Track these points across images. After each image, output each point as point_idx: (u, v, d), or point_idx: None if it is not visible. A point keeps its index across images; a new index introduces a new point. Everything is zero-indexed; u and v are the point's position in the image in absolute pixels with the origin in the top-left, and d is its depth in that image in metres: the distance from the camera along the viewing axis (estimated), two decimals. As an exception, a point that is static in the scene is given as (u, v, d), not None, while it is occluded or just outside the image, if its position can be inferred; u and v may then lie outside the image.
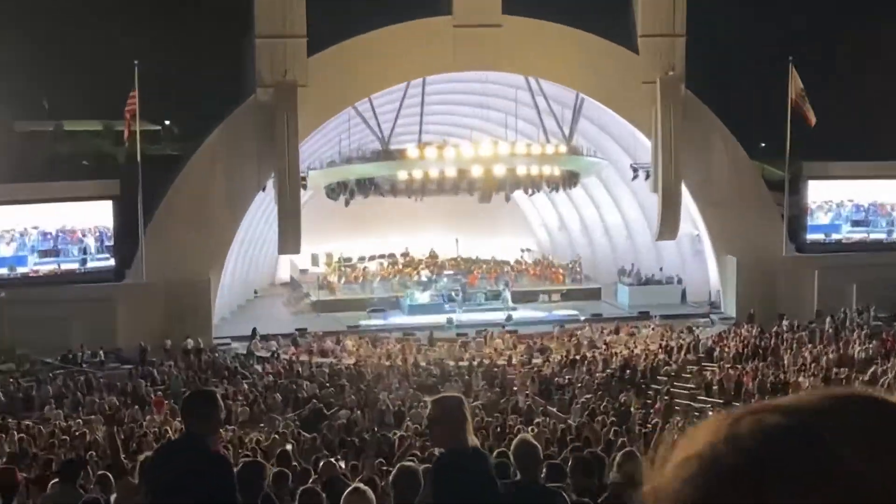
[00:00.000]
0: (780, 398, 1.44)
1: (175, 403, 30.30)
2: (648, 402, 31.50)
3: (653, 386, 34.60)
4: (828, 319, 42.42)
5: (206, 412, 6.11)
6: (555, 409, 31.84)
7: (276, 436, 23.88)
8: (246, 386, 33.96)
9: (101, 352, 38.98)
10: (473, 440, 5.71)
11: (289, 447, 20.28)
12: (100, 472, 12.01)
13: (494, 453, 11.06)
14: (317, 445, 23.24)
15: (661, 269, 51.17)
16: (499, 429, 24.88)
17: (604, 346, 40.95)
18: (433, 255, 54.65)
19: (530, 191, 49.13)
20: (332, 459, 16.91)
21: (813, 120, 44.47)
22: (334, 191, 46.34)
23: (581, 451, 13.78)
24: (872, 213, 48.19)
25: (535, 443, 8.09)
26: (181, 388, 33.32)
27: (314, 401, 31.65)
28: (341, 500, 6.67)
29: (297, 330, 43.75)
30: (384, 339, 42.75)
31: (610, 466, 9.76)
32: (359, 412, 30.37)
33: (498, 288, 49.76)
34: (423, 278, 50.67)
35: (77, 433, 24.35)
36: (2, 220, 40.72)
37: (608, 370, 36.36)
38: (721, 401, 32.73)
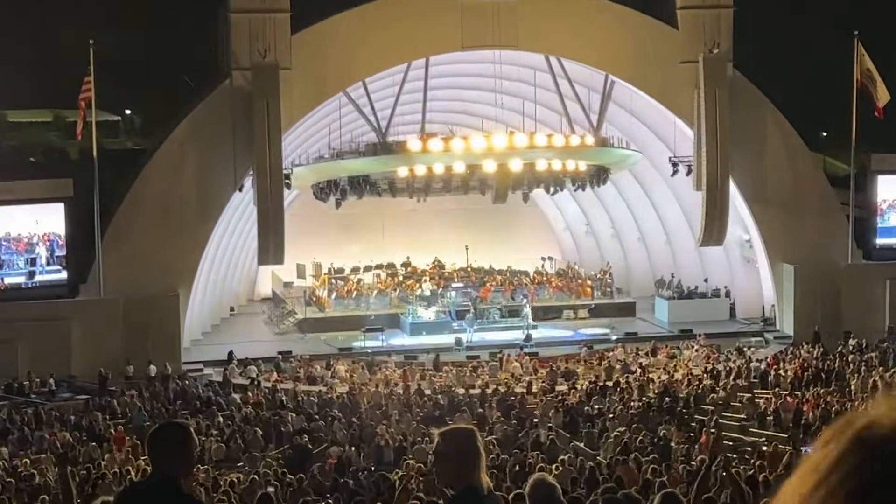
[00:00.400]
0: None
1: (138, 439, 30.35)
2: (692, 435, 31.47)
3: (697, 417, 34.57)
4: (902, 338, 42.37)
5: (177, 448, 6.11)
6: (582, 445, 31.83)
7: (256, 476, 23.92)
8: (221, 419, 34.02)
9: (52, 380, 39.02)
10: (486, 481, 5.72)
11: (271, 490, 20.32)
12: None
13: (511, 496, 11.08)
14: (304, 487, 23.31)
15: (705, 281, 51.18)
16: (517, 467, 24.89)
17: (639, 371, 40.94)
18: (439, 265, 54.72)
19: (552, 189, 49.18)
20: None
21: (882, 105, 44.48)
22: (323, 190, 46.44)
23: (614, 493, 13.81)
24: (953, 214, 48.14)
25: (554, 482, 8.09)
26: (145, 421, 33.40)
27: (303, 435, 31.67)
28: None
29: (280, 353, 43.81)
30: (382, 363, 42.80)
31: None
32: (353, 449, 30.41)
33: (515, 303, 49.79)
34: (428, 292, 50.71)
35: (24, 474, 24.39)
36: (-65, 226, 40.89)
37: (644, 398, 36.34)
38: (777, 433, 32.72)
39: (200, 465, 25.48)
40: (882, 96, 44.54)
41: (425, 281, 52.01)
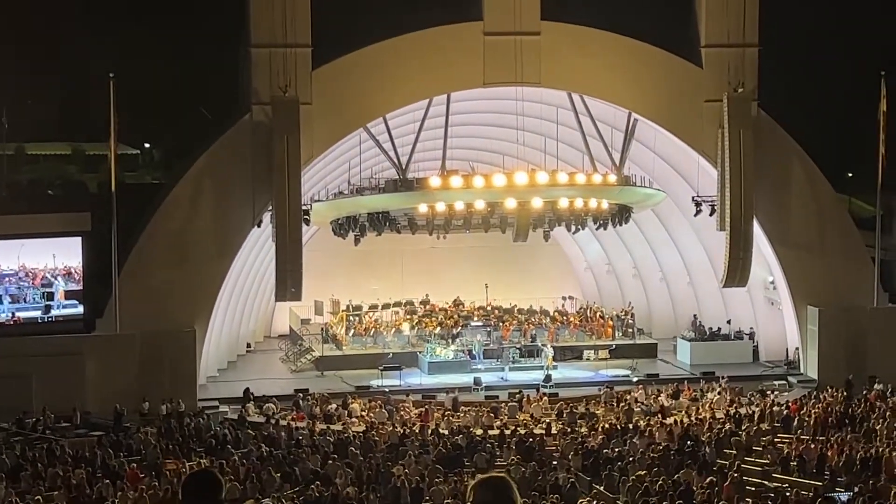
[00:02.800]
0: None
1: (155, 477, 30.40)
2: (714, 480, 31.35)
3: (719, 461, 34.45)
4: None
5: (208, 497, 6.14)
6: (602, 488, 31.74)
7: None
8: (237, 458, 34.01)
9: (78, 413, 39.08)
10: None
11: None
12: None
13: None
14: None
15: (728, 322, 51.07)
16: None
17: (660, 413, 40.82)
18: (458, 304, 54.70)
19: (573, 228, 49.23)
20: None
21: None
22: (342, 227, 46.55)
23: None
24: (981, 257, 48.03)
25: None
26: (158, 458, 33.44)
27: (317, 479, 31.64)
28: None
29: (297, 391, 43.82)
30: (399, 402, 42.77)
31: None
32: (369, 490, 30.36)
33: (535, 343, 49.75)
34: (446, 331, 50.73)
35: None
36: (-48, 259, 41.13)
37: (665, 442, 36.22)
38: (801, 479, 32.56)
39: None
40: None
41: (445, 319, 51.93)
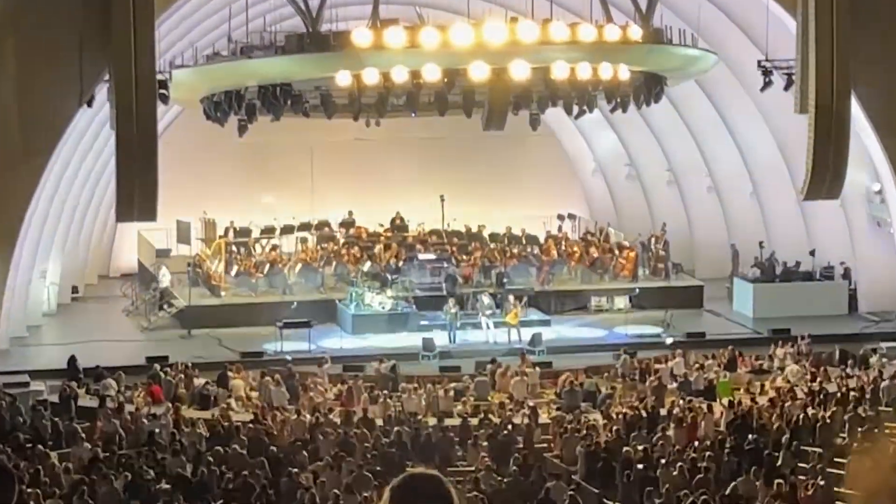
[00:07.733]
0: None
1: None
2: (786, 492, 31.68)
3: (800, 465, 34.80)
4: None
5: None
6: (618, 505, 32.07)
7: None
8: (56, 462, 34.07)
9: None
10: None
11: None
12: None
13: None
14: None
15: (812, 254, 51.38)
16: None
17: (707, 393, 41.16)
18: (399, 227, 54.78)
19: (577, 109, 49.21)
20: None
21: None
22: (219, 106, 46.41)
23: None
24: None
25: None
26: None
27: (183, 492, 31.81)
28: None
29: (150, 360, 43.94)
30: (309, 377, 42.94)
31: None
32: (262, 509, 30.60)
33: (519, 286, 49.96)
34: (381, 267, 50.87)
35: None
36: None
37: (714, 435, 36.56)
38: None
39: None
40: None
41: (379, 250, 52.10)
